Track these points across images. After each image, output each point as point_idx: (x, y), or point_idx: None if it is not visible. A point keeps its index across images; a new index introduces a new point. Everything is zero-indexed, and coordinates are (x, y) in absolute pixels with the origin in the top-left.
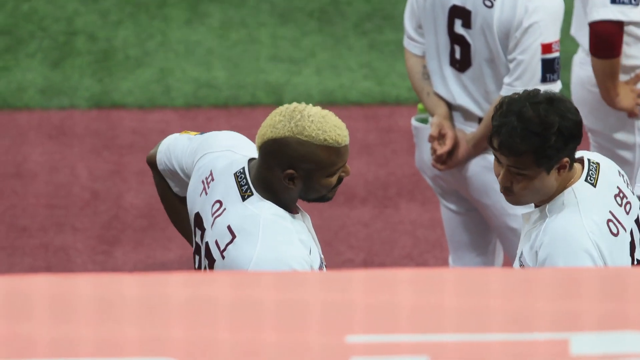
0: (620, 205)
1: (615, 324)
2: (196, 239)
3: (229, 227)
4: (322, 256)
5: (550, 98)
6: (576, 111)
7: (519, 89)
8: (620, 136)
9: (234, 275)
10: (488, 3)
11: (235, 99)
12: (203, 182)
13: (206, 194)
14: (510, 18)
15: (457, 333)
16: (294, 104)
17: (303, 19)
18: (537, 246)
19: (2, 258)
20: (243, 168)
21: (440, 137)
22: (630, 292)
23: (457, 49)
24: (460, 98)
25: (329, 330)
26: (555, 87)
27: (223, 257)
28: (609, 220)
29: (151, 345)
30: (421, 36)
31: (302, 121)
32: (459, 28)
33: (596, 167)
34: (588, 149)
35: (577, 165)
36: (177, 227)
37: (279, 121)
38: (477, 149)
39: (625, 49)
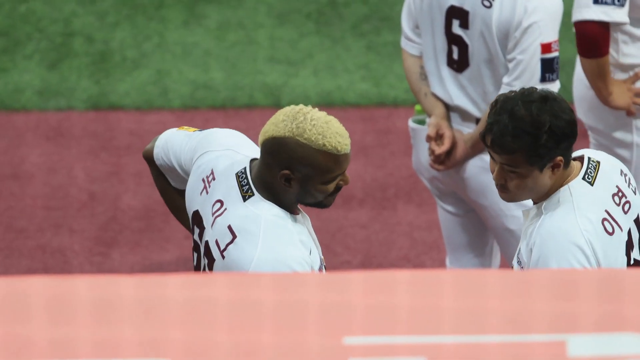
0: (618, 205)
1: (612, 325)
2: (194, 237)
3: (229, 227)
4: (322, 257)
5: (544, 97)
6: (570, 111)
7: (518, 88)
8: (618, 134)
9: (232, 276)
10: (487, 3)
11: (232, 101)
12: (203, 180)
13: (207, 192)
14: (509, 18)
15: (455, 334)
16: (301, 106)
17: (301, 21)
18: (531, 243)
19: None
20: (244, 168)
21: (437, 137)
22: (627, 294)
23: (455, 49)
24: (458, 99)
25: (327, 332)
26: (554, 86)
27: (223, 257)
28: (604, 219)
29: (149, 346)
30: (418, 37)
31: (304, 123)
32: (456, 28)
33: (595, 165)
34: (587, 147)
35: (575, 164)
36: (179, 220)
37: (282, 120)
38: (474, 150)
39: (623, 47)
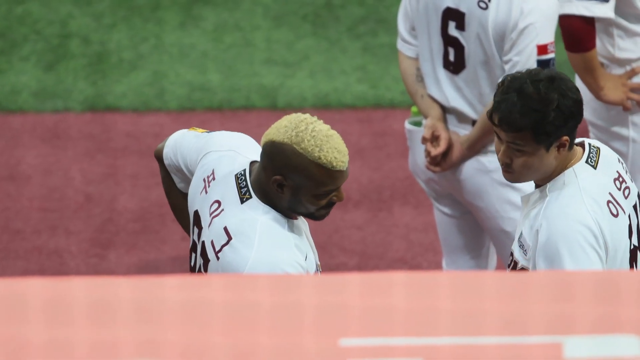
0: (619, 190)
1: (608, 327)
2: (193, 237)
3: (225, 229)
4: (319, 262)
5: (551, 76)
6: (577, 90)
7: None
8: (615, 129)
9: (228, 278)
10: (483, 5)
11: (229, 102)
12: (204, 180)
13: (206, 192)
14: (505, 20)
15: (452, 336)
16: (306, 115)
17: (297, 22)
18: (537, 225)
19: None
20: (244, 170)
21: (433, 139)
22: (623, 296)
23: (451, 51)
24: (454, 100)
25: (324, 333)
26: None
27: (218, 258)
28: (608, 202)
29: (146, 348)
30: (415, 38)
31: (304, 133)
32: (452, 30)
33: (596, 151)
34: None
35: (577, 148)
36: (180, 223)
37: (284, 126)
38: (471, 151)
39: (619, 42)
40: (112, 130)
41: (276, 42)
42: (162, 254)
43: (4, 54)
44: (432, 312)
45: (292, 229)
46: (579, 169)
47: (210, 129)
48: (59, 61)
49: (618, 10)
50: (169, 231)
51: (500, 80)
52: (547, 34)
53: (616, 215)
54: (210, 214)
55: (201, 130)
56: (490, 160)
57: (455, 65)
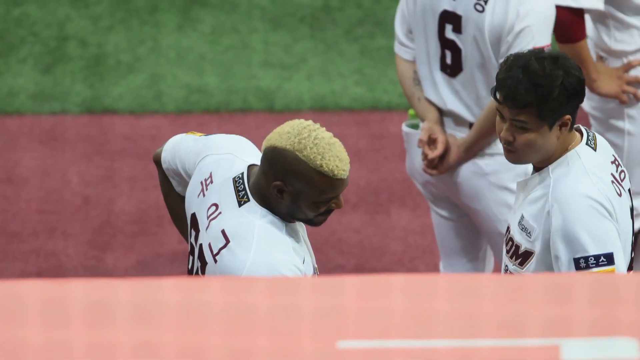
0: (617, 172)
1: (606, 329)
2: (191, 240)
3: (223, 232)
4: (316, 265)
5: (555, 55)
6: (579, 69)
7: None
8: (612, 121)
9: (226, 280)
10: (479, 8)
11: (226, 105)
12: (202, 183)
13: (204, 195)
14: (501, 22)
15: (449, 339)
16: (309, 122)
17: (294, 25)
18: (547, 207)
19: None
20: (242, 173)
21: (430, 142)
22: (621, 298)
23: (448, 54)
24: (451, 103)
25: (321, 336)
26: None
27: (215, 261)
28: (612, 181)
29: (143, 350)
30: (412, 41)
31: (307, 140)
32: (449, 33)
33: (593, 135)
34: None
35: (576, 132)
36: (177, 227)
37: (287, 132)
38: (468, 154)
39: (615, 33)
40: (110, 133)
41: (273, 44)
42: (159, 256)
43: (1, 56)
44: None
45: (289, 232)
46: (581, 150)
47: (208, 131)
48: (57, 63)
49: (613, 2)
50: (167, 233)
51: (502, 60)
52: (543, 36)
53: (620, 195)
54: (208, 217)
55: (199, 134)
56: (487, 163)
57: (452, 68)
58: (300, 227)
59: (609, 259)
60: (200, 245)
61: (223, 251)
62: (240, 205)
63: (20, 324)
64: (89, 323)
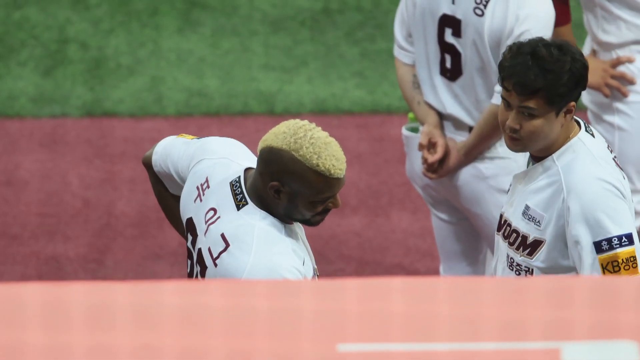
0: (613, 158)
1: (606, 333)
2: (188, 244)
3: (222, 236)
4: (316, 267)
5: (559, 43)
6: (583, 55)
7: None
8: (604, 115)
9: (226, 283)
10: (478, 12)
11: (227, 108)
12: (198, 188)
13: (200, 200)
14: (501, 26)
15: (449, 342)
16: (305, 122)
17: (295, 28)
18: (564, 193)
19: None
20: (239, 177)
21: (430, 145)
22: (621, 301)
23: (448, 58)
24: (451, 107)
25: (321, 339)
26: None
27: (215, 265)
28: (616, 165)
29: (144, 352)
30: (411, 45)
31: (303, 140)
32: (449, 37)
33: (587, 123)
34: None
35: (574, 121)
36: (174, 227)
37: (282, 132)
38: (468, 158)
39: (603, 24)
40: (110, 136)
41: (274, 47)
42: (160, 259)
43: (2, 59)
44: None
45: (289, 233)
46: (583, 137)
47: (208, 134)
48: (57, 66)
49: None
50: (167, 236)
51: (506, 49)
52: None
53: (624, 179)
54: (206, 222)
55: (190, 136)
56: (487, 167)
57: (452, 72)
58: (299, 229)
59: (630, 239)
60: (199, 249)
61: (223, 255)
62: (238, 208)
63: (20, 326)
64: (90, 326)
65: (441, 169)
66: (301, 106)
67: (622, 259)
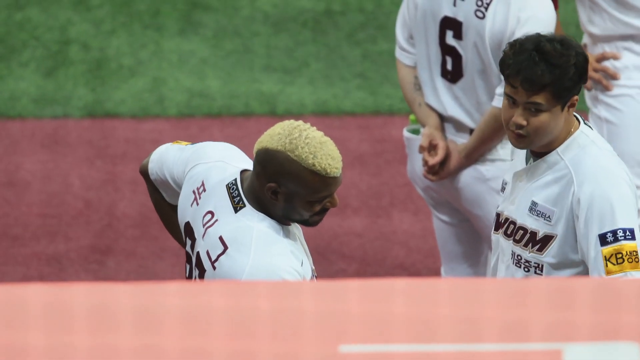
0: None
1: (608, 334)
2: (186, 248)
3: (220, 238)
4: (314, 267)
5: (560, 37)
6: (582, 48)
7: None
8: (592, 109)
9: (228, 284)
10: (480, 14)
11: (228, 109)
12: (194, 192)
13: (197, 204)
14: (502, 29)
15: (451, 343)
16: (300, 122)
17: (297, 29)
18: (574, 186)
19: None
20: (235, 179)
21: (431, 147)
22: (623, 303)
23: (449, 60)
24: (452, 109)
25: (323, 340)
26: None
27: (214, 268)
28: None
29: (146, 353)
30: (413, 47)
31: (298, 140)
32: (450, 39)
33: (583, 118)
34: None
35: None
36: (172, 235)
37: (277, 133)
38: (468, 160)
39: (590, 14)
40: (112, 137)
41: (275, 48)
42: (161, 261)
43: (3, 60)
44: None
45: (287, 235)
46: (585, 130)
47: (209, 135)
48: (59, 67)
49: None
50: (168, 238)
51: (506, 46)
52: None
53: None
54: (204, 225)
55: (185, 143)
56: (488, 169)
57: (452, 74)
58: (297, 230)
59: (632, 234)
60: (198, 253)
61: (221, 258)
62: (236, 211)
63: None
64: (92, 327)
65: (442, 171)
66: (303, 107)
67: (627, 252)
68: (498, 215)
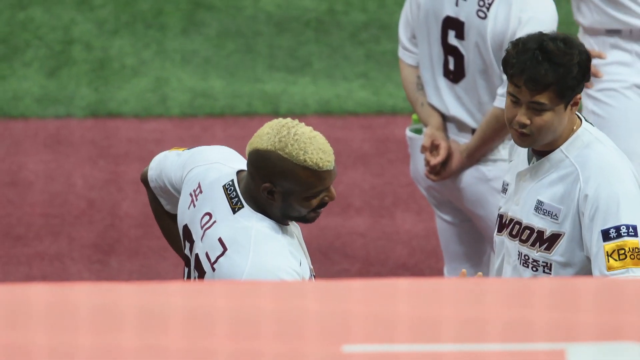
0: None
1: (611, 334)
2: (185, 251)
3: (220, 240)
4: (312, 267)
5: (562, 36)
6: (584, 47)
7: None
8: (585, 102)
9: (231, 284)
10: (481, 14)
11: (231, 109)
12: (191, 194)
13: (194, 206)
14: (503, 29)
15: (454, 343)
16: (287, 120)
17: (299, 29)
18: (581, 183)
19: None
20: (232, 180)
21: (433, 147)
22: (626, 303)
23: (451, 60)
24: (454, 109)
25: (326, 340)
26: None
27: (214, 269)
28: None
29: (149, 354)
30: (415, 46)
31: (287, 138)
32: (452, 39)
33: (583, 115)
34: None
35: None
36: (171, 245)
37: (266, 133)
38: (470, 160)
39: (580, 3)
40: (114, 136)
41: (278, 48)
42: (164, 260)
43: (6, 59)
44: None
45: (285, 235)
46: (588, 127)
47: (213, 135)
48: (61, 67)
49: None
50: None
51: (509, 45)
52: None
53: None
54: (202, 227)
55: (182, 148)
56: (489, 169)
57: (455, 74)
58: (296, 229)
59: (635, 231)
60: (197, 255)
61: (221, 259)
62: (234, 212)
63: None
64: (95, 327)
65: (444, 171)
66: (305, 107)
67: (629, 248)
68: (501, 216)
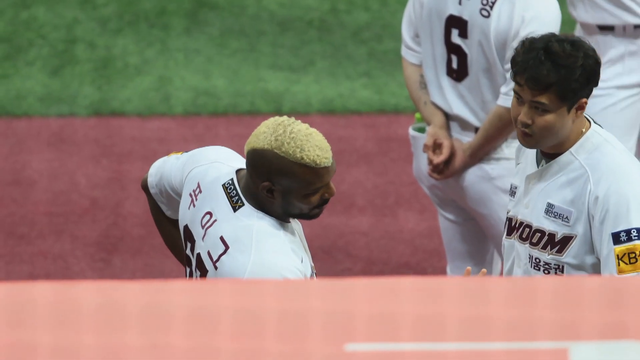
0: None
1: (615, 333)
2: (187, 251)
3: (221, 238)
4: (313, 264)
5: (571, 39)
6: (595, 52)
7: None
8: None
9: (235, 283)
10: (485, 13)
11: (234, 107)
12: (191, 194)
13: (194, 206)
14: (507, 28)
15: (458, 341)
16: (284, 118)
17: (302, 28)
18: (591, 185)
19: (0, 266)
20: (232, 179)
21: (436, 146)
22: (630, 302)
23: (454, 58)
24: (457, 108)
25: (329, 338)
26: None
27: (216, 268)
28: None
29: (152, 352)
30: (418, 45)
31: (283, 136)
32: (455, 38)
33: (592, 118)
34: None
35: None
36: (172, 252)
37: (263, 132)
38: (473, 159)
39: (577, 2)
40: (118, 135)
41: (281, 47)
42: (167, 259)
43: (10, 58)
44: (438, 317)
45: (287, 233)
46: (597, 129)
47: (216, 134)
48: (65, 66)
49: None
50: None
51: (518, 44)
52: None
53: None
54: (203, 226)
55: (180, 152)
56: (493, 168)
57: (458, 72)
58: (297, 226)
59: None
60: (198, 254)
61: (223, 257)
62: (235, 210)
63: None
64: (98, 325)
65: (447, 169)
66: (308, 106)
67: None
68: (510, 219)
